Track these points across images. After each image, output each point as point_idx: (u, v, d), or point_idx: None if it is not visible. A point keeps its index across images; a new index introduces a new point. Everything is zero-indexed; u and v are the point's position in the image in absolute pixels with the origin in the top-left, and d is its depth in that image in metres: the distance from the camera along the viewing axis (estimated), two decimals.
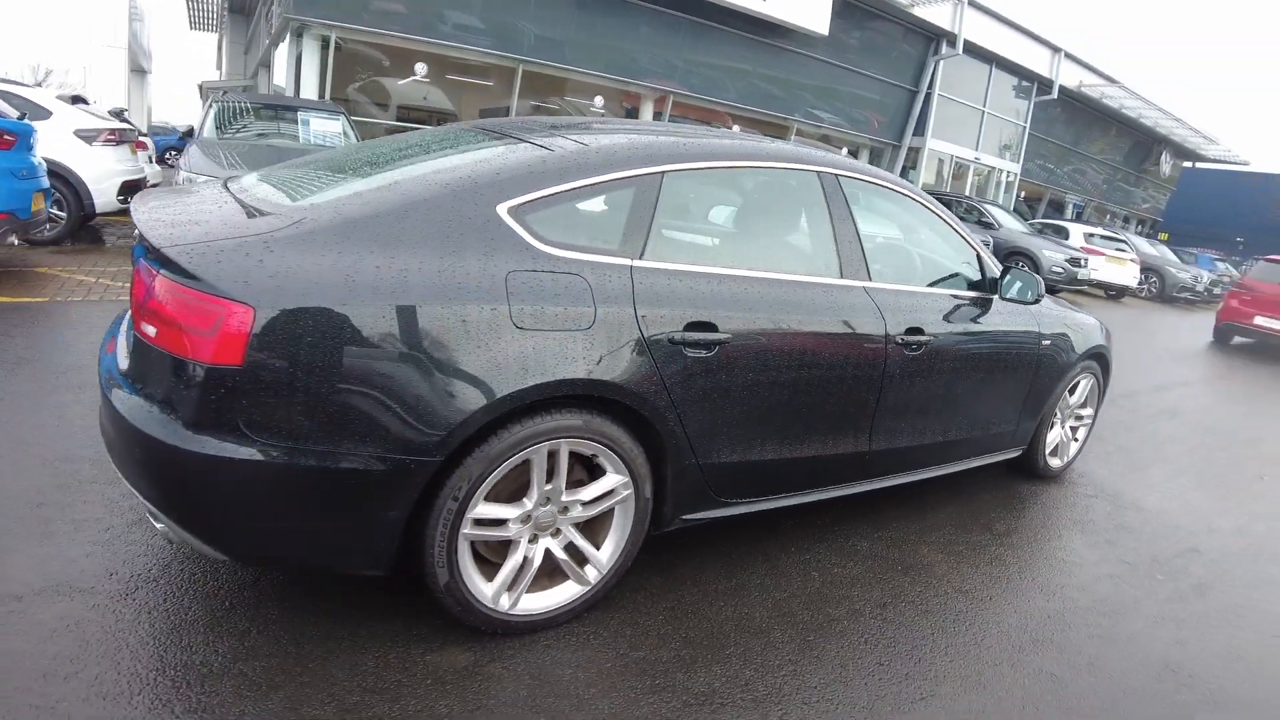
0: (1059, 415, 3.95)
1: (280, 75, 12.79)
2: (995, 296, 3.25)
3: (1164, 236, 25.63)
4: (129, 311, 2.02)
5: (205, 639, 1.95)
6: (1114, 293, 16.19)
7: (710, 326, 2.14)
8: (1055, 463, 4.08)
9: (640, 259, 2.09)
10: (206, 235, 1.74)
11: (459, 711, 1.82)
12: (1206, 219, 32.68)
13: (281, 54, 12.70)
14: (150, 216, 1.88)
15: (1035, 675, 2.37)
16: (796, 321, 2.38)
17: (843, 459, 2.70)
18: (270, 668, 1.88)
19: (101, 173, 7.23)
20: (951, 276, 3.25)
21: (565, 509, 2.07)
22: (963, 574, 2.93)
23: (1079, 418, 4.17)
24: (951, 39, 17.92)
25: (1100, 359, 4.06)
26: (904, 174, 19.31)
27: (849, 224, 2.66)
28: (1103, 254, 15.23)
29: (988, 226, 14.60)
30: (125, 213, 7.74)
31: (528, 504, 1.99)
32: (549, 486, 2.01)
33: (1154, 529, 3.73)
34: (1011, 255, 14.01)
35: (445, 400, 1.74)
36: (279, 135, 7.11)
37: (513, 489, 1.98)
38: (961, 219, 12.22)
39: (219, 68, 32.42)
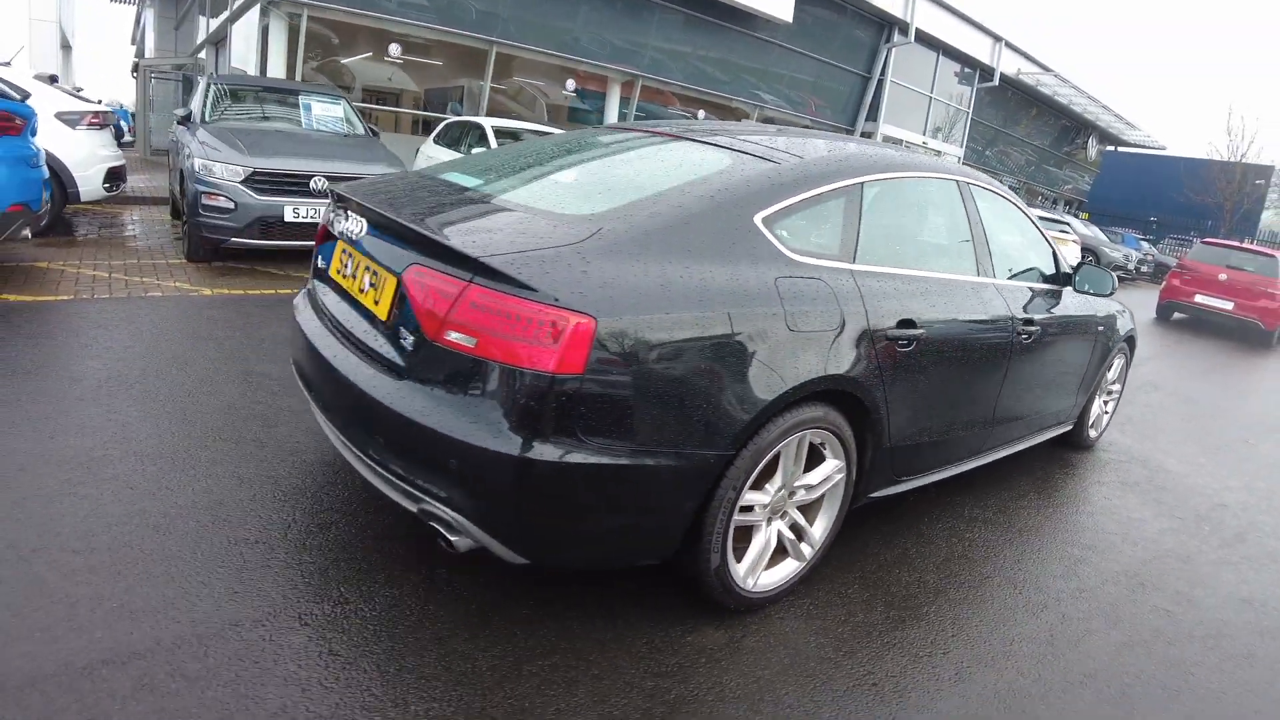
0: (1099, 391, 4.40)
1: (240, 54, 12.31)
2: (1069, 288, 3.64)
3: (1085, 216, 27.22)
4: (347, 309, 2.13)
5: (478, 645, 2.02)
6: None
7: (911, 323, 2.42)
8: (1093, 434, 4.54)
9: (854, 263, 2.34)
10: (517, 244, 1.79)
11: (741, 684, 2.03)
12: (1125, 200, 34.73)
13: (241, 31, 12.21)
14: (425, 219, 1.95)
15: (1153, 611, 2.80)
16: (962, 316, 2.72)
17: (976, 434, 3.04)
18: (555, 665, 1.99)
19: (86, 158, 6.83)
20: (1031, 269, 3.61)
21: (792, 493, 2.32)
22: (1063, 532, 3.34)
23: (1109, 392, 4.64)
24: (904, 27, 18.55)
25: (1130, 340, 4.53)
26: None
27: (980, 227, 2.99)
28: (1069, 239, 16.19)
29: None
30: (100, 202, 7.36)
31: (771, 490, 2.22)
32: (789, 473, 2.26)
33: (1185, 488, 4.22)
34: None
35: (742, 397, 1.95)
36: (284, 120, 6.92)
37: (760, 477, 2.21)
38: None
39: (136, 42, 30.47)
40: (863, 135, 20.16)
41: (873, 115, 19.91)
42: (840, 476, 2.39)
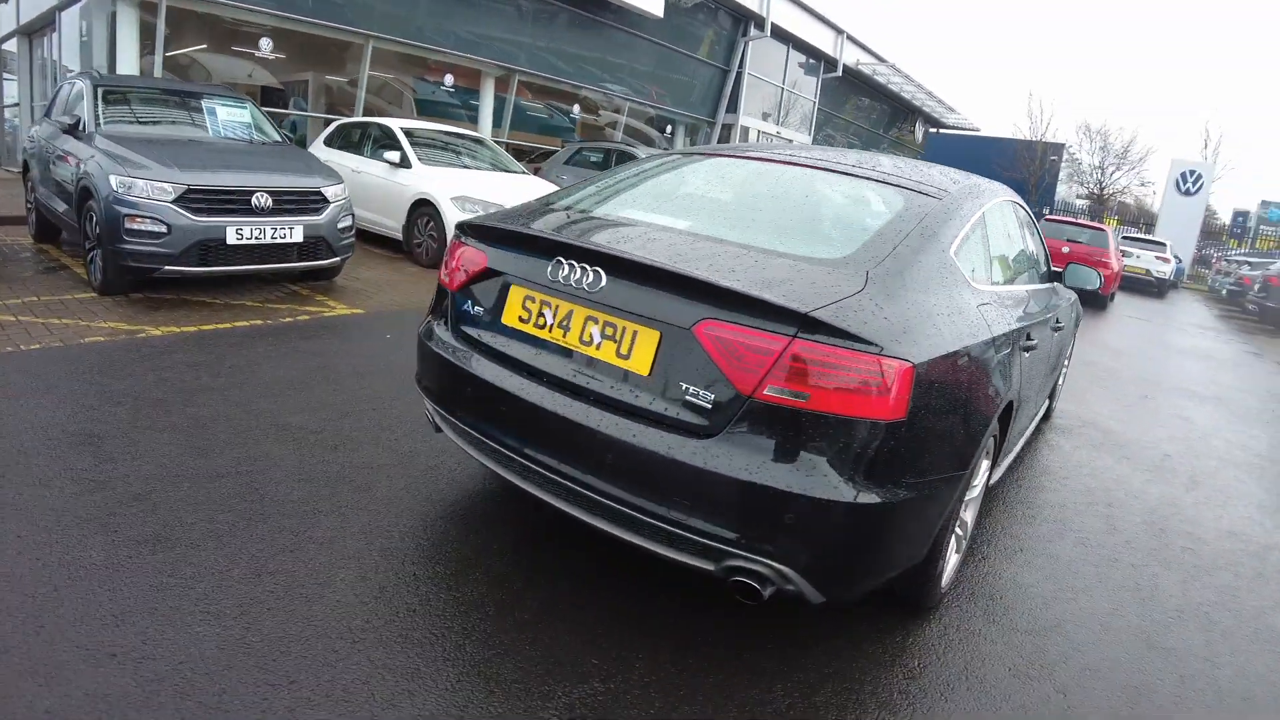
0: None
1: (73, 46, 10.80)
2: (1060, 284, 4.11)
3: None
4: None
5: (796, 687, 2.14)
6: None
7: (1029, 334, 2.67)
8: (1055, 404, 5.13)
9: (991, 284, 2.56)
10: (821, 295, 1.80)
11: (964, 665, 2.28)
12: None
13: (74, 20, 10.70)
14: (706, 270, 1.87)
15: (1180, 549, 3.33)
16: (1041, 318, 3.07)
17: (1029, 419, 3.42)
18: (841, 689, 2.12)
19: None
20: (1042, 269, 4.06)
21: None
22: (1085, 495, 3.83)
23: (1064, 366, 5.27)
24: (760, 21, 19.41)
25: (1079, 319, 5.16)
26: None
27: (1024, 238, 3.32)
28: None
29: None
30: None
31: (972, 493, 2.43)
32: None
33: (1133, 443, 4.89)
34: None
35: (984, 417, 2.17)
36: (189, 127, 6.20)
37: None
38: None
39: None
40: (724, 127, 20.94)
41: (732, 107, 20.70)
42: (987, 472, 2.62)
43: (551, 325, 2.12)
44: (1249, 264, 17.73)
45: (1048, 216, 13.91)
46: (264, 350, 4.40)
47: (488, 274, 2.32)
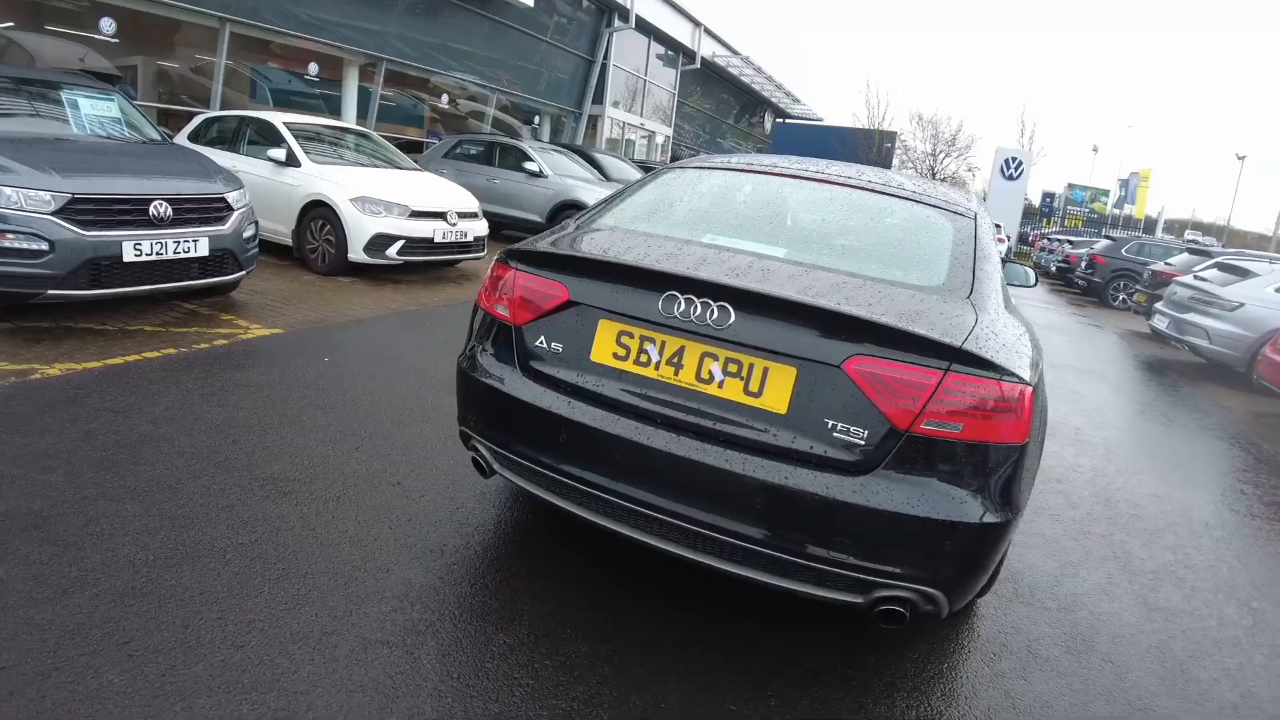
0: None
1: None
2: None
3: None
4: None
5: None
6: None
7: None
8: None
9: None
10: (954, 325, 1.87)
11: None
12: None
13: None
14: (842, 304, 1.88)
15: (1126, 515, 3.73)
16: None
17: None
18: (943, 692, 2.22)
19: None
20: None
21: None
22: (1042, 478, 4.22)
23: None
24: (624, 12, 19.46)
25: None
26: (588, 140, 20.60)
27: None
28: None
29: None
30: None
31: None
32: None
33: (1049, 421, 5.40)
34: None
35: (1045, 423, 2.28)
36: (50, 121, 5.28)
37: None
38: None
39: None
40: (590, 118, 20.86)
41: (598, 98, 20.67)
42: None
43: (659, 363, 2.02)
44: (1070, 242, 19.99)
45: None
46: (194, 386, 3.90)
47: (567, 306, 2.17)
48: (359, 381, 4.24)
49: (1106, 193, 38.35)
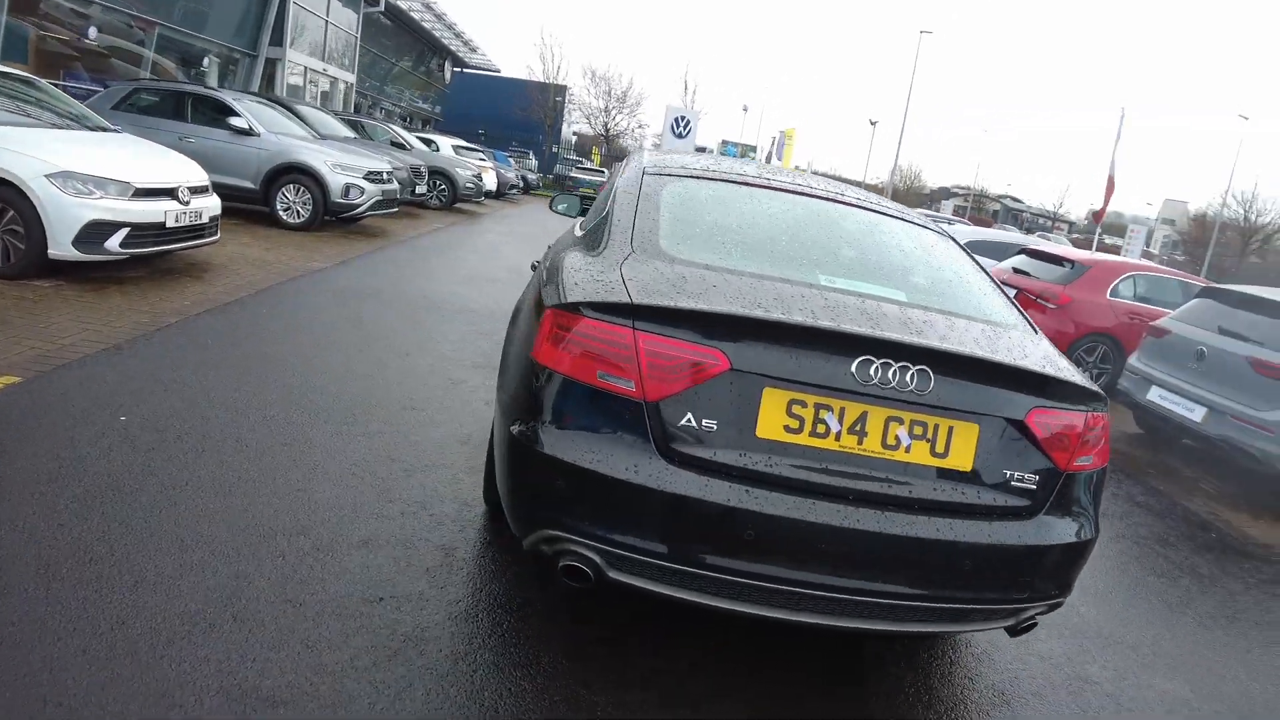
0: None
1: None
2: None
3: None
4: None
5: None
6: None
7: None
8: None
9: None
10: (1061, 364, 2.09)
11: None
12: (471, 118, 39.14)
13: None
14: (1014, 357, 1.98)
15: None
16: None
17: None
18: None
19: None
20: None
21: None
22: None
23: None
24: None
25: None
26: (266, 86, 17.87)
27: None
28: (488, 166, 17.72)
29: (401, 147, 14.73)
30: None
31: None
32: None
33: None
34: (433, 175, 15.02)
35: None
36: None
37: None
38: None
39: None
40: (268, 60, 18.07)
41: (276, 39, 17.95)
42: None
43: (840, 433, 1.85)
44: None
45: None
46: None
47: (723, 375, 1.83)
48: (149, 456, 3.26)
49: (755, 149, 43.78)
